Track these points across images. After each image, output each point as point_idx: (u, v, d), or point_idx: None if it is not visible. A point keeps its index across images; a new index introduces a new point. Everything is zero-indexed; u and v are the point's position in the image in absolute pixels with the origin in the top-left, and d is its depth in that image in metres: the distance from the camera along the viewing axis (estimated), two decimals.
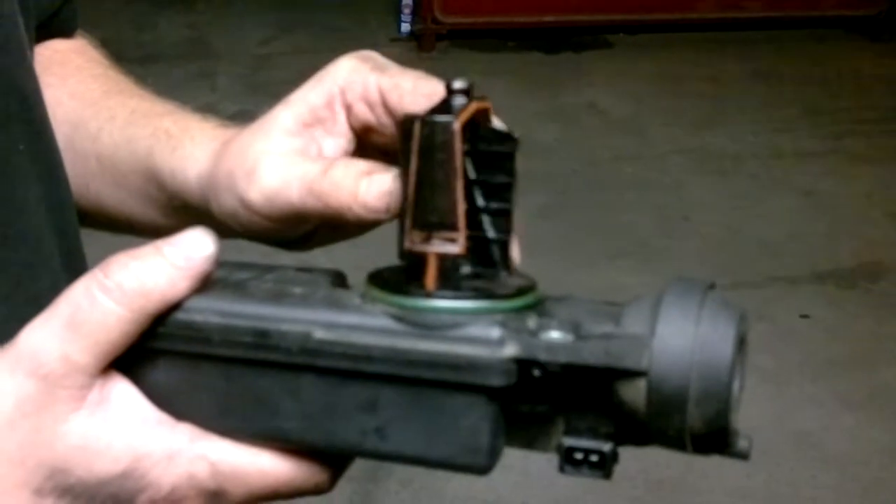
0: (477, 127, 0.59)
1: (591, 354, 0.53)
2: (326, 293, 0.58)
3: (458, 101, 0.58)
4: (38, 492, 0.57)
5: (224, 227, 0.74)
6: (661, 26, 6.14)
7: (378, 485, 2.78)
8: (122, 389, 0.58)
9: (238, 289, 0.58)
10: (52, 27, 0.94)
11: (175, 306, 0.57)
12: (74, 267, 0.80)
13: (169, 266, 0.56)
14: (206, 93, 5.11)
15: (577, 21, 6.04)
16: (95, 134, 0.86)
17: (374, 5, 6.38)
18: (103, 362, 0.57)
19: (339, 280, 0.61)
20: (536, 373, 0.53)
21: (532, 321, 0.55)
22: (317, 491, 0.60)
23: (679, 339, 0.52)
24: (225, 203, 0.74)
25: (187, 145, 0.80)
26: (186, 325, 0.57)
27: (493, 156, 0.59)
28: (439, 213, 0.57)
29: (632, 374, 0.52)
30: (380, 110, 0.70)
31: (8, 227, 0.74)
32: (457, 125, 0.57)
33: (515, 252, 0.66)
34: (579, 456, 0.55)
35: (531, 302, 0.57)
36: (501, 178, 0.59)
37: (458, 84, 0.59)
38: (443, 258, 0.57)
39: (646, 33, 6.14)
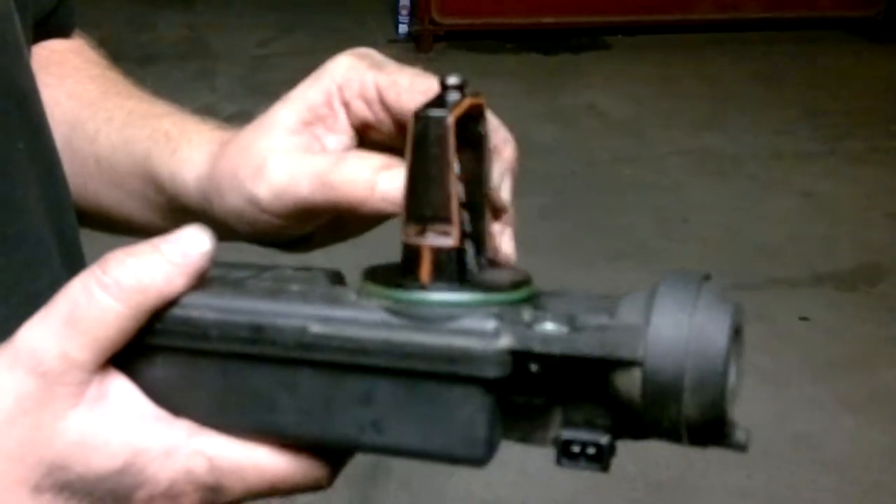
0: (471, 121, 0.60)
1: (586, 345, 0.53)
2: (323, 290, 0.59)
3: (452, 96, 0.59)
4: (37, 488, 0.57)
5: (224, 229, 0.75)
6: (660, 28, 6.15)
7: (377, 486, 2.78)
8: (120, 386, 0.58)
9: (235, 286, 0.59)
10: (50, 26, 0.94)
11: (172, 303, 0.57)
12: (73, 267, 0.79)
13: (166, 263, 0.56)
14: (204, 93, 5.11)
15: (576, 22, 6.05)
16: (93, 135, 0.86)
17: (371, 6, 6.38)
18: (101, 359, 0.57)
19: (336, 279, 0.61)
20: (532, 365, 0.54)
21: (527, 313, 0.55)
22: (316, 487, 0.60)
23: (674, 328, 0.52)
24: (230, 203, 0.74)
25: (185, 148, 0.80)
26: (184, 321, 0.57)
27: (468, 127, 0.60)
28: (433, 207, 0.58)
29: (627, 363, 0.53)
30: (377, 107, 0.71)
31: (7, 227, 0.74)
32: (451, 119, 0.57)
33: (509, 244, 0.66)
34: (576, 449, 0.55)
35: (526, 295, 0.58)
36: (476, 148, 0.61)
37: (451, 80, 0.59)
38: (437, 251, 0.58)
39: (644, 35, 6.14)
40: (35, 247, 0.76)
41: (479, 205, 0.62)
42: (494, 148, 0.66)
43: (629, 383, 0.53)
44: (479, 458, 0.56)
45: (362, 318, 0.55)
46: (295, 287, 0.58)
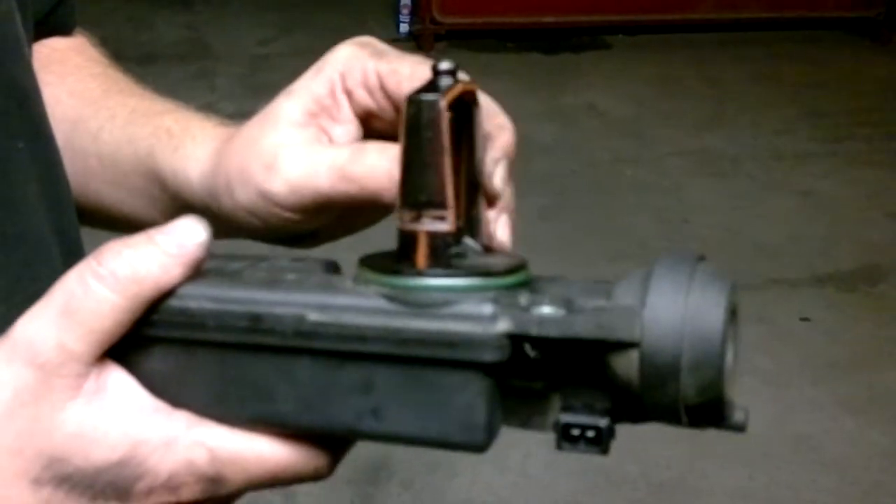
0: (465, 107, 0.60)
1: (583, 328, 0.53)
2: (319, 278, 0.59)
3: (445, 81, 0.59)
4: (37, 481, 0.57)
5: (229, 226, 0.75)
6: (660, 27, 6.15)
7: (378, 487, 2.77)
8: (118, 378, 0.58)
9: (232, 277, 0.59)
10: (51, 25, 0.94)
11: (169, 294, 0.57)
12: (74, 265, 0.79)
13: (162, 253, 0.56)
14: (204, 93, 5.12)
15: (576, 22, 6.05)
16: (95, 133, 0.86)
17: (372, 6, 6.38)
18: (98, 350, 0.57)
19: (332, 268, 0.61)
20: (530, 349, 0.54)
21: (524, 297, 0.55)
22: (316, 476, 0.60)
23: (670, 308, 0.52)
24: (241, 199, 0.74)
25: (188, 145, 0.80)
26: (180, 311, 0.57)
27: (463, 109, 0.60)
28: (428, 192, 0.58)
29: (624, 345, 0.52)
30: (379, 95, 0.71)
31: (7, 226, 0.73)
32: (443, 103, 0.57)
33: (504, 231, 0.66)
34: (576, 432, 0.55)
35: (522, 280, 0.58)
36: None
37: (444, 65, 0.59)
38: (433, 236, 0.58)
39: (645, 34, 6.14)
40: (36, 246, 0.76)
41: (475, 191, 0.62)
42: (489, 134, 0.66)
43: (627, 365, 0.53)
44: (479, 444, 0.55)
45: (359, 305, 0.55)
46: (291, 276, 0.58)
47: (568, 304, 0.54)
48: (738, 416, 0.55)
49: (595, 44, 6.07)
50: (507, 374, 0.55)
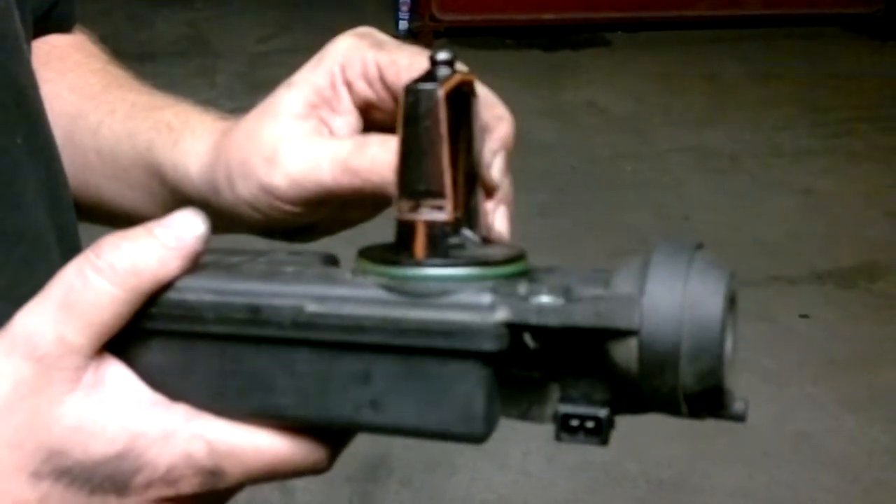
0: (463, 98, 0.60)
1: (582, 316, 0.53)
2: (318, 270, 0.59)
3: (442, 71, 0.59)
4: (36, 474, 0.56)
5: (228, 220, 0.75)
6: (660, 24, 6.15)
7: (377, 485, 2.77)
8: (116, 371, 0.58)
9: (230, 269, 0.59)
10: (50, 21, 0.94)
11: (167, 286, 0.57)
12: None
13: (160, 246, 0.56)
14: (204, 90, 5.12)
15: (576, 19, 6.05)
16: (95, 128, 0.86)
17: (372, 3, 6.39)
18: (97, 343, 0.56)
19: (330, 260, 0.61)
20: (529, 339, 0.53)
21: (522, 287, 0.55)
22: (315, 470, 0.59)
23: (668, 296, 0.52)
24: (241, 192, 0.74)
25: (188, 139, 0.80)
26: (179, 304, 0.57)
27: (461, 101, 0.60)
28: (426, 181, 0.58)
29: (623, 333, 0.52)
30: (378, 86, 0.71)
31: (6, 222, 0.73)
32: (441, 92, 0.57)
33: (502, 222, 0.66)
34: (575, 423, 0.55)
35: (521, 269, 0.58)
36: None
37: (441, 55, 0.59)
38: (431, 226, 0.58)
39: (644, 31, 6.15)
40: (35, 242, 0.76)
41: (473, 182, 0.62)
42: (487, 125, 0.66)
43: (626, 353, 0.52)
44: (478, 435, 0.55)
45: (358, 296, 0.55)
46: (290, 269, 0.58)
47: (566, 293, 0.53)
48: (737, 405, 0.55)
49: (595, 41, 6.06)
50: (505, 365, 0.55)
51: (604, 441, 0.55)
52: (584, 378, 0.55)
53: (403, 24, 6.03)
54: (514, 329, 0.53)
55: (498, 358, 0.54)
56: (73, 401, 0.56)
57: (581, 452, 2.80)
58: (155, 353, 0.58)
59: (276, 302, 0.56)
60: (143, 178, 0.83)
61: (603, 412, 0.55)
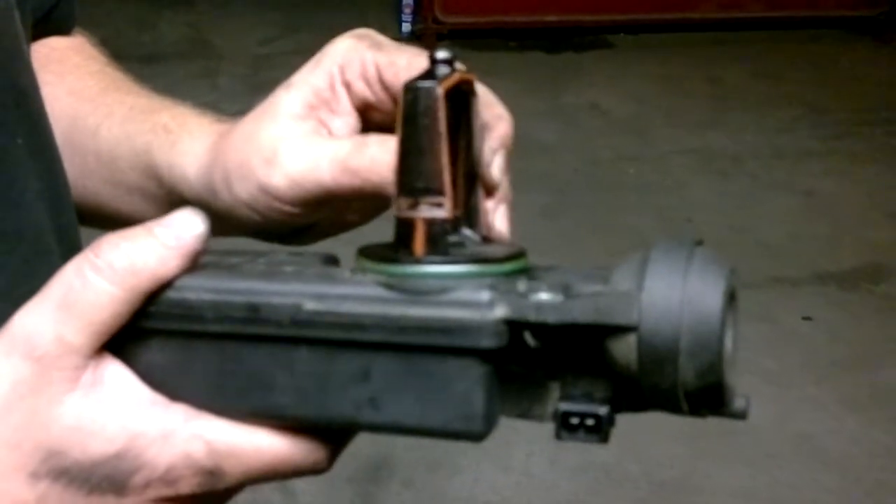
0: (462, 97, 0.60)
1: (581, 312, 0.52)
2: (317, 269, 0.59)
3: (442, 70, 0.59)
4: (34, 475, 0.56)
5: (226, 222, 0.75)
6: (662, 26, 6.15)
7: (379, 486, 2.77)
8: (115, 371, 0.58)
9: (230, 269, 0.59)
10: (50, 24, 0.94)
11: (166, 286, 0.57)
12: None
13: (159, 245, 0.56)
14: (206, 92, 5.12)
15: (579, 21, 6.05)
16: (94, 130, 0.86)
17: (374, 5, 6.38)
18: (96, 343, 0.56)
19: (330, 260, 0.61)
20: (528, 336, 0.53)
21: (522, 284, 0.55)
22: (315, 470, 0.59)
23: (668, 292, 0.52)
24: (240, 193, 0.74)
25: (185, 140, 0.80)
26: (178, 303, 0.57)
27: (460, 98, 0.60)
28: (425, 179, 0.58)
29: (622, 329, 0.52)
30: (377, 87, 0.71)
31: (6, 223, 0.73)
32: (440, 90, 0.57)
33: (502, 221, 0.66)
34: (575, 421, 0.55)
35: (520, 267, 0.58)
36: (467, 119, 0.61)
37: (441, 54, 0.60)
38: (430, 223, 0.58)
39: (647, 33, 6.14)
40: (35, 242, 0.76)
41: (473, 181, 0.62)
42: (486, 124, 0.66)
43: (625, 350, 0.52)
44: (478, 433, 0.55)
45: (357, 294, 0.55)
46: (289, 269, 0.58)
47: (566, 290, 0.53)
48: (738, 402, 0.55)
49: (597, 43, 6.06)
50: (505, 363, 0.55)
51: (604, 439, 0.55)
52: (585, 376, 0.55)
53: (406, 26, 6.03)
54: (513, 326, 0.53)
55: (497, 355, 0.54)
56: (71, 400, 0.56)
57: (583, 453, 2.80)
58: (154, 352, 0.58)
59: (276, 300, 0.56)
60: (140, 181, 0.83)
61: (603, 410, 0.55)
